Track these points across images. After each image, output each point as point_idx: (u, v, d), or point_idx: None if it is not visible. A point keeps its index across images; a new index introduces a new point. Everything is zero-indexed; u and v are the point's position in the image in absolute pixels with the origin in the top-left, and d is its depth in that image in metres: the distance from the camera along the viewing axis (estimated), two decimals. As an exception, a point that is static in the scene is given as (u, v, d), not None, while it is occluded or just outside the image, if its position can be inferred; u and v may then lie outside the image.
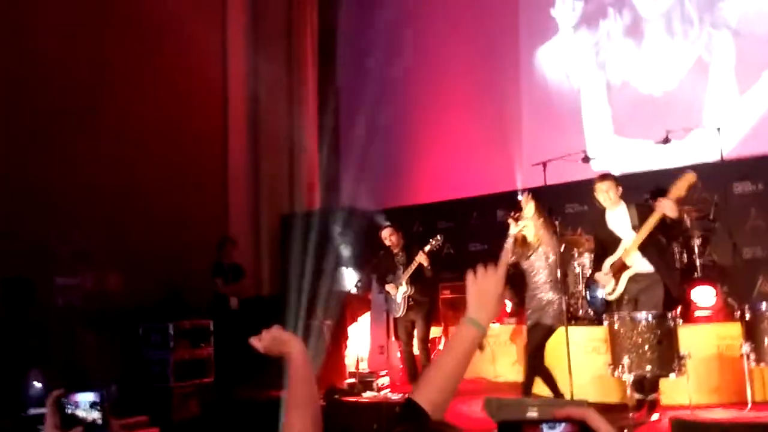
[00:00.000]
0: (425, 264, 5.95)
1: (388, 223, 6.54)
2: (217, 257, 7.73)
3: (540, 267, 5.23)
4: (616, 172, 7.94)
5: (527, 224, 5.18)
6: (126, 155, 7.55)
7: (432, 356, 7.15)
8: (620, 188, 5.10)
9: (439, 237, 5.99)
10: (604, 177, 5.17)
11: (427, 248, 5.96)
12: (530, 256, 5.26)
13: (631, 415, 4.57)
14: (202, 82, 9.04)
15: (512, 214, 5.21)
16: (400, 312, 6.12)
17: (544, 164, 6.31)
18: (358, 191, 9.49)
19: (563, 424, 0.93)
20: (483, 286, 1.59)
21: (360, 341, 7.57)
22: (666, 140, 6.20)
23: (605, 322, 4.85)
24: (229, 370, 6.71)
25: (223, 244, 7.85)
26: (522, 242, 5.27)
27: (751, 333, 4.43)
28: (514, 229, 5.21)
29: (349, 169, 10.18)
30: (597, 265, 5.15)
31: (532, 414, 4.24)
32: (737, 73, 7.43)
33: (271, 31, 10.17)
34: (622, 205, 5.05)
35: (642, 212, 4.93)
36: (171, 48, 8.45)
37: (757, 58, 7.29)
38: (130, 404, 5.44)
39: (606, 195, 5.02)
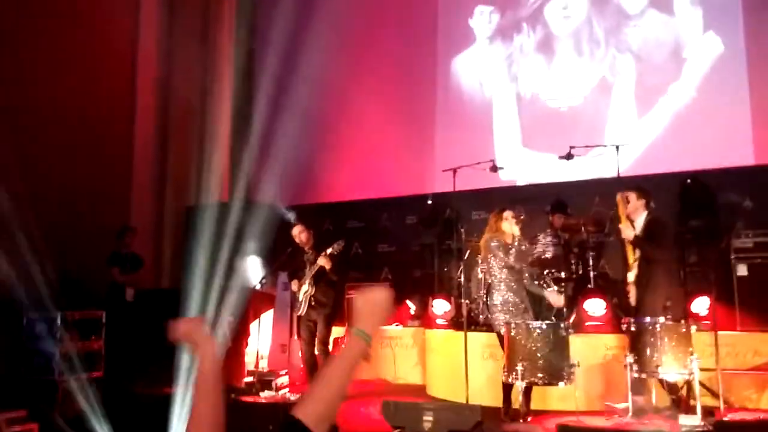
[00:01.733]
0: (327, 267, 5.92)
1: (298, 222, 6.45)
2: (115, 246, 7.40)
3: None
4: (521, 183, 8.27)
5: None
6: (25, 134, 7.09)
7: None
8: None
9: (341, 241, 5.96)
10: None
11: (329, 251, 5.93)
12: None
13: (521, 420, 4.74)
14: (110, 63, 8.65)
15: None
16: (301, 311, 6.07)
17: (455, 171, 6.44)
18: (269, 186, 9.32)
19: None
20: (370, 297, 1.57)
21: (262, 339, 7.44)
22: (569, 156, 6.45)
23: (502, 329, 4.99)
24: (122, 364, 6.44)
25: (122, 232, 7.54)
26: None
27: (634, 344, 4.67)
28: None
29: (261, 164, 9.99)
30: None
31: (428, 418, 4.31)
32: (637, 95, 7.85)
33: (186, 16, 9.84)
34: None
35: None
36: (79, 28, 8.02)
37: (655, 83, 7.74)
38: (11, 398, 5.14)
39: None
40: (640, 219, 5.25)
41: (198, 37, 10.02)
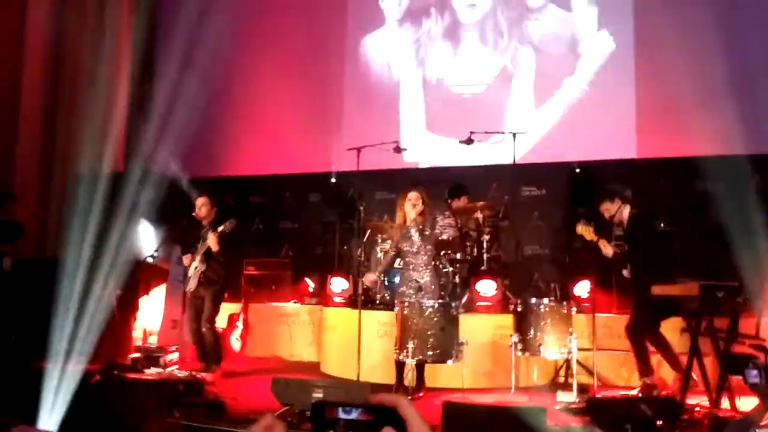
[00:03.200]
0: (214, 247, 5.78)
1: (205, 194, 6.22)
2: (-7, 212, 6.91)
3: None
4: (424, 165, 8.42)
5: None
6: None
7: (227, 334, 7.03)
8: None
9: (233, 220, 5.82)
10: None
11: (219, 229, 5.79)
12: None
13: (409, 397, 4.85)
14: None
15: None
16: (190, 286, 5.92)
17: (359, 150, 6.45)
18: (168, 157, 8.99)
19: (359, 410, 0.91)
20: None
21: (152, 314, 7.20)
22: (469, 141, 6.63)
23: (396, 308, 5.08)
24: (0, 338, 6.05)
25: (1, 198, 7.03)
26: None
27: (520, 324, 4.90)
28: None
29: (160, 135, 9.60)
30: None
31: (318, 395, 4.33)
32: (535, 86, 8.14)
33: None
34: None
35: None
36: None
37: (552, 76, 8.06)
38: None
39: None
40: (625, 216, 5.29)
41: (95, 0, 9.45)
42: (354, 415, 0.89)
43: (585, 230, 5.28)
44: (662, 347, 4.93)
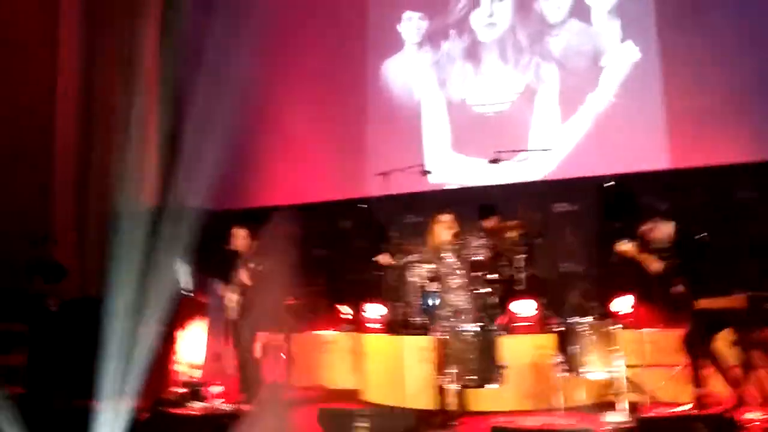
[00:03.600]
0: (247, 282, 5.86)
1: (244, 226, 6.31)
2: (35, 254, 7.09)
3: None
4: (451, 186, 8.44)
5: None
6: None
7: (266, 363, 7.08)
8: None
9: (268, 257, 5.89)
10: None
11: (251, 266, 5.87)
12: None
13: (454, 422, 4.84)
14: (28, 67, 8.31)
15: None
16: (228, 317, 6.00)
17: (386, 175, 6.51)
18: (199, 190, 9.14)
19: None
20: None
21: (194, 348, 7.29)
22: (496, 160, 6.65)
23: (434, 333, 5.08)
24: (46, 378, 6.17)
25: (43, 239, 7.23)
26: None
27: (562, 344, 4.87)
28: None
29: (189, 168, 9.76)
30: None
31: (363, 424, 4.35)
32: (560, 101, 8.13)
33: (112, 20, 9.54)
34: None
35: None
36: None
37: (577, 90, 8.04)
38: None
39: None
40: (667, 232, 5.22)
41: (124, 40, 9.72)
42: None
43: (628, 248, 5.21)
44: (716, 362, 4.84)
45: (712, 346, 4.86)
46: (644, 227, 5.24)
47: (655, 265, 5.16)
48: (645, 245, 5.25)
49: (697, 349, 4.87)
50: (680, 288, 5.20)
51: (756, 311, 4.25)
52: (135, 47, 9.81)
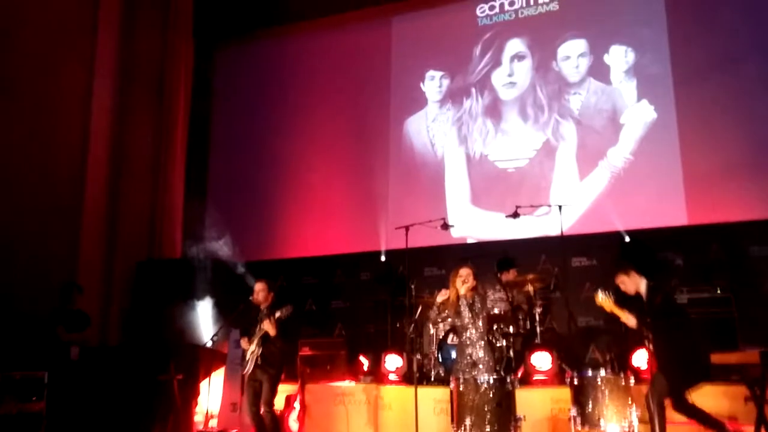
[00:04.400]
0: (271, 332, 5.91)
1: (261, 279, 6.39)
2: (60, 302, 7.24)
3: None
4: (471, 240, 8.52)
5: None
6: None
7: (285, 416, 7.06)
8: None
9: (289, 306, 5.94)
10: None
11: (276, 315, 5.92)
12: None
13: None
14: (61, 118, 8.69)
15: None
16: (247, 369, 6.00)
17: (407, 228, 6.62)
18: (223, 243, 9.35)
19: None
20: None
21: (212, 397, 7.32)
22: (515, 215, 6.74)
23: (451, 384, 5.08)
24: (65, 426, 6.23)
25: (69, 289, 7.37)
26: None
27: (577, 397, 4.82)
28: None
29: (214, 220, 10.03)
30: None
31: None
32: (578, 158, 8.27)
33: (142, 73, 10.00)
34: None
35: None
36: (31, 79, 8.10)
37: (595, 147, 8.19)
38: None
39: None
40: (642, 290, 5.18)
41: (152, 93, 10.14)
42: None
43: (604, 301, 5.21)
44: (693, 415, 4.77)
45: (685, 400, 4.78)
46: (617, 279, 5.26)
47: (630, 320, 5.15)
48: (624, 299, 5.23)
49: (659, 403, 4.78)
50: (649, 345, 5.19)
51: (768, 367, 4.20)
52: (165, 103, 10.24)
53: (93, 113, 9.18)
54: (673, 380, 4.83)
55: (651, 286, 5.16)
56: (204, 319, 8.44)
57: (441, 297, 5.47)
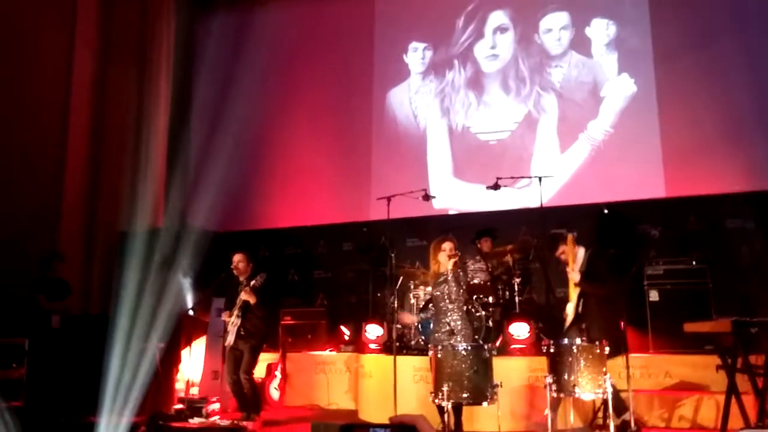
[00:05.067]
0: (251, 301, 5.95)
1: (240, 250, 6.41)
2: (41, 271, 7.22)
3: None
4: (453, 212, 8.58)
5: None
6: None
7: (266, 383, 7.14)
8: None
9: (263, 274, 5.98)
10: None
11: (252, 284, 5.96)
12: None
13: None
14: (41, 87, 8.54)
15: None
16: (228, 341, 6.04)
17: (389, 199, 6.65)
18: (205, 212, 9.32)
19: (386, 430, 1.04)
20: None
21: (193, 365, 7.37)
22: (496, 186, 6.79)
23: (430, 352, 5.16)
24: (46, 393, 6.25)
25: (49, 258, 7.34)
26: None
27: (553, 365, 4.93)
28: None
29: (196, 190, 9.97)
30: None
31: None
32: (559, 131, 8.31)
33: (123, 43, 9.82)
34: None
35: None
36: (10, 50, 7.95)
37: (576, 120, 8.23)
38: None
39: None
40: (580, 255, 5.42)
41: (134, 62, 9.99)
42: None
43: (570, 243, 5.39)
44: None
45: None
46: (558, 251, 5.46)
47: (575, 276, 5.37)
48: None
49: None
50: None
51: (740, 336, 4.31)
52: (147, 72, 10.09)
53: (74, 82, 9.04)
54: None
55: (591, 253, 5.31)
56: (185, 288, 8.45)
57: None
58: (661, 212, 7.47)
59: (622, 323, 5.24)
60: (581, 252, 5.41)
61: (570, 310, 5.45)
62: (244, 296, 5.95)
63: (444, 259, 5.36)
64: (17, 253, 7.36)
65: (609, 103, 8.13)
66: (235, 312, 6.03)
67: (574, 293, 5.44)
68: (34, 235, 7.95)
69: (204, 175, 10.03)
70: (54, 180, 8.70)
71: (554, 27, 8.58)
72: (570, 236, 5.46)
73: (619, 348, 5.09)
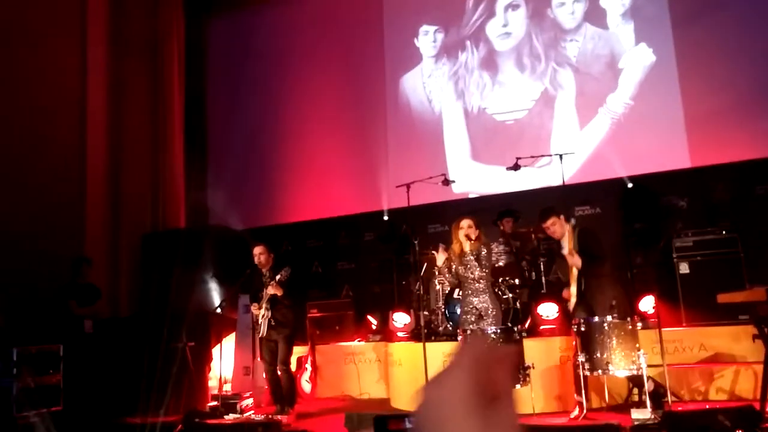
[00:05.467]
0: (278, 294, 5.97)
1: (259, 242, 6.44)
2: (70, 277, 7.32)
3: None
4: (473, 195, 8.50)
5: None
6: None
7: (297, 377, 7.18)
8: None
9: (287, 268, 6.00)
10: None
11: (276, 278, 5.98)
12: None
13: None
14: (58, 94, 8.61)
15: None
16: (261, 332, 6.09)
17: (408, 186, 6.60)
18: (226, 210, 9.37)
19: None
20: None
21: (224, 362, 7.43)
22: (516, 167, 6.70)
23: (459, 337, 5.13)
24: (83, 397, 6.35)
25: (78, 263, 7.44)
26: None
27: (585, 344, 4.87)
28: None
29: (216, 189, 10.03)
30: None
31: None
32: (577, 106, 8.17)
33: (135, 45, 9.87)
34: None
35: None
36: (27, 59, 8.01)
37: (594, 94, 8.08)
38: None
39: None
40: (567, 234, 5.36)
41: (148, 63, 10.04)
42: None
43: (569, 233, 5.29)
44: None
45: None
46: (545, 224, 5.38)
47: (577, 260, 5.24)
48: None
49: None
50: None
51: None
52: (160, 73, 10.13)
53: (89, 85, 9.10)
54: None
55: (579, 231, 5.31)
56: (212, 286, 8.51)
57: (441, 257, 5.51)
58: (687, 183, 7.32)
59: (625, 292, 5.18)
60: (567, 229, 5.33)
61: (573, 291, 5.34)
62: (271, 290, 5.97)
63: (463, 238, 5.32)
64: (45, 260, 7.46)
65: (628, 75, 7.97)
66: (264, 304, 6.06)
67: (573, 275, 5.33)
68: (60, 243, 8.05)
69: (222, 173, 10.08)
70: (77, 186, 8.79)
71: (567, 0, 8.42)
72: (561, 215, 5.37)
73: (627, 315, 5.00)
